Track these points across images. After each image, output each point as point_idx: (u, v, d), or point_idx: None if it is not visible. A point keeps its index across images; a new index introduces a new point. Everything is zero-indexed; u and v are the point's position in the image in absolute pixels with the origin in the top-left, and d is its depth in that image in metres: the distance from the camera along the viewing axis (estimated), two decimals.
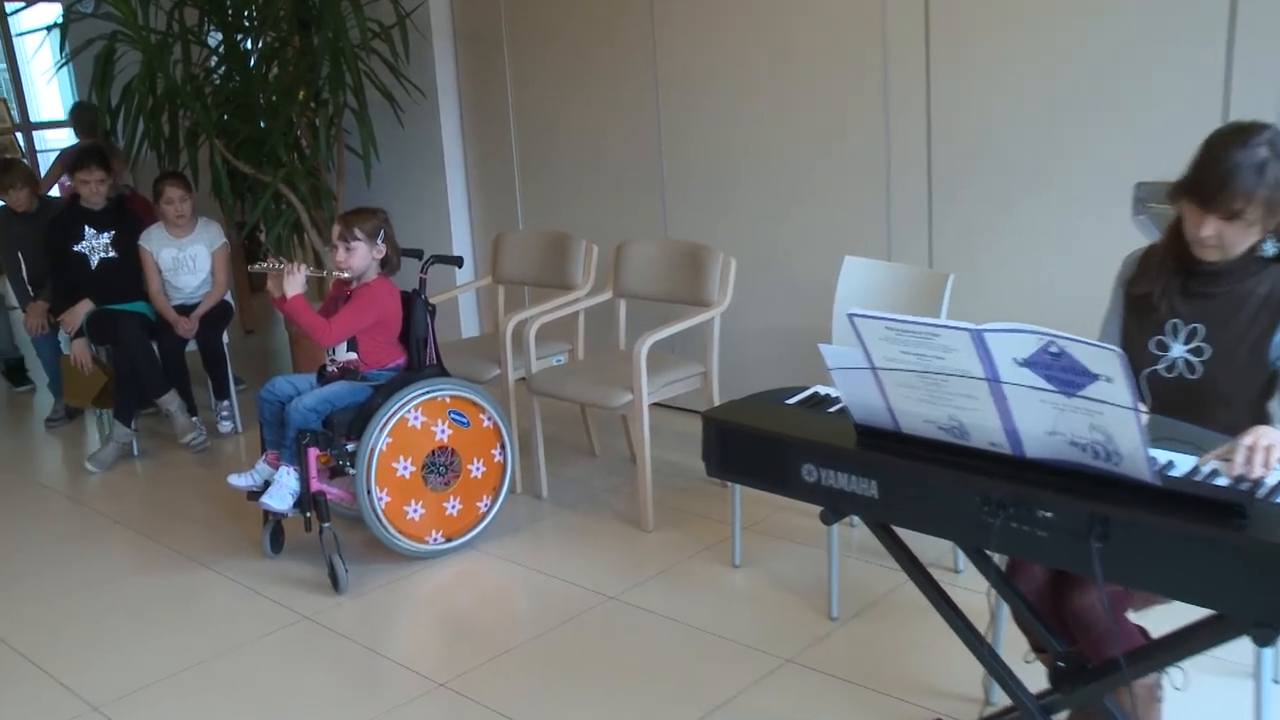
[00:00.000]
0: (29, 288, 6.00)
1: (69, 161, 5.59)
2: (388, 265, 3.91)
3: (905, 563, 2.20)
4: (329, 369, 3.93)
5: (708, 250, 4.11)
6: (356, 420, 3.74)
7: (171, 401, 5.30)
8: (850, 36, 4.19)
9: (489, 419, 3.94)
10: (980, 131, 3.92)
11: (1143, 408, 2.05)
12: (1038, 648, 2.33)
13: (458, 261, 4.16)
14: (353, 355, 3.88)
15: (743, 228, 4.80)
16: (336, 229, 3.85)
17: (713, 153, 4.86)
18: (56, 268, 5.51)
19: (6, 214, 5.97)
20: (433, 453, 3.83)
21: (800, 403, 2.23)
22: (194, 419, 5.43)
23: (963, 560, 3.41)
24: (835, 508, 2.00)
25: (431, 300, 3.97)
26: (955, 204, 4.03)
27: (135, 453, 5.36)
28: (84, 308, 5.40)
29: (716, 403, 4.14)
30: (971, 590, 3.19)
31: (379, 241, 3.84)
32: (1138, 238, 2.85)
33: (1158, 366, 2.28)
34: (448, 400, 3.86)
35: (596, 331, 4.86)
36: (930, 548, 3.46)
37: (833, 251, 4.30)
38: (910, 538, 2.19)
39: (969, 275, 3.99)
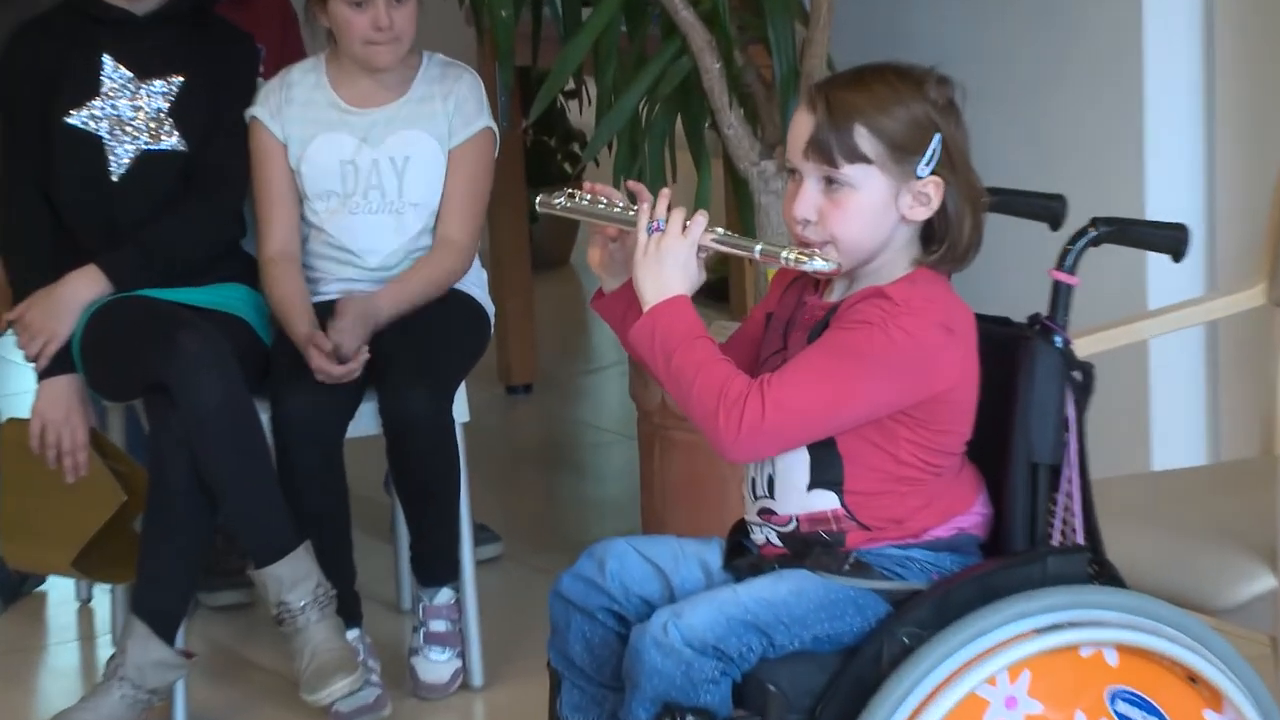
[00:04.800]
0: None
1: None
2: (946, 241, 3.51)
3: None
4: (754, 534, 3.60)
5: None
6: (833, 693, 3.41)
7: (295, 578, 4.87)
8: None
9: None
10: None
11: None
12: None
13: (1172, 244, 3.80)
14: (830, 499, 3.47)
15: None
16: (804, 124, 3.44)
17: None
18: (14, 171, 5.43)
19: None
20: None
21: None
22: (354, 632, 5.04)
23: None
24: None
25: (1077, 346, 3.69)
26: None
27: (181, 715, 5.02)
28: (84, 292, 5.14)
29: None
30: None
31: (923, 166, 3.42)
32: None
33: None
34: (1113, 660, 3.42)
35: None
36: None
37: None
38: None
39: None
